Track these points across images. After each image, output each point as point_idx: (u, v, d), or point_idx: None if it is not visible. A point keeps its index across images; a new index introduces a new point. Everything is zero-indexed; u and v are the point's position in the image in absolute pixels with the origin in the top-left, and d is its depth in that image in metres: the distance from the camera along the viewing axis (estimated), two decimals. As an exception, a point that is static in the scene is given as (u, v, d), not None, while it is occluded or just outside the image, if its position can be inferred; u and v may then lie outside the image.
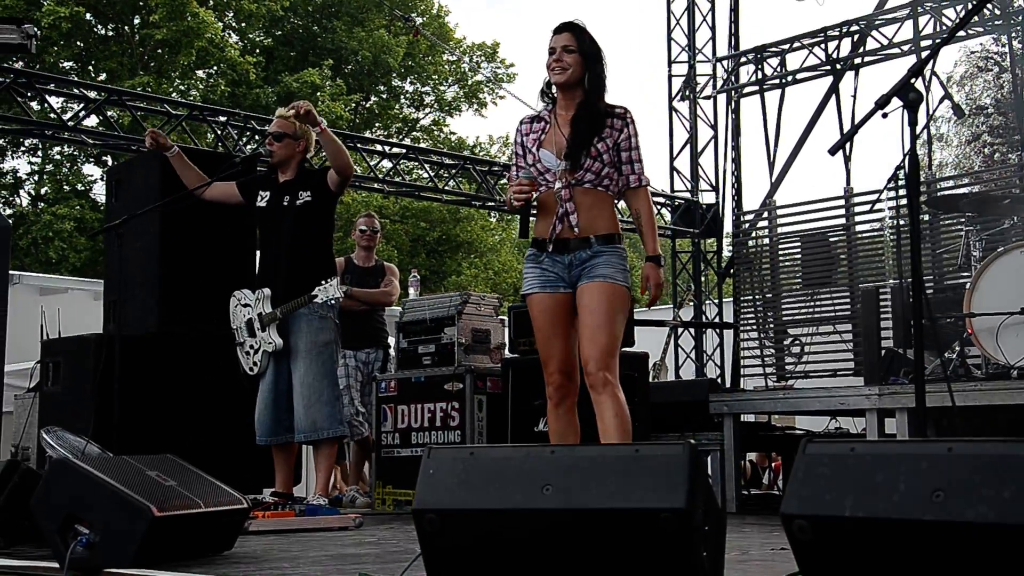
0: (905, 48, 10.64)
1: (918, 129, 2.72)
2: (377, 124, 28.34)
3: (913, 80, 2.67)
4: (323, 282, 5.19)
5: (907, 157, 2.66)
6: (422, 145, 23.04)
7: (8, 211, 23.12)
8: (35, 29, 7.59)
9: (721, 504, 5.92)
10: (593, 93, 4.05)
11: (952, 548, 1.98)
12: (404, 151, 11.40)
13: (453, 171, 11.28)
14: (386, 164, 11.06)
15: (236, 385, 5.58)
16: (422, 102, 29.25)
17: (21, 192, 24.47)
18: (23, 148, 23.86)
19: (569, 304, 3.98)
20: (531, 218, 4.11)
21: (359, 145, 10.62)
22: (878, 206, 8.29)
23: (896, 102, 2.67)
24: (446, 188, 11.26)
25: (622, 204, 4.62)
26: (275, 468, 5.52)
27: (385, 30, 27.07)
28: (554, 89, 4.10)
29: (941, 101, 10.65)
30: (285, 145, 5.44)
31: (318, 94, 23.96)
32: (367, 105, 28.38)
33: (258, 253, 5.53)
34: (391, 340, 7.37)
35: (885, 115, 2.70)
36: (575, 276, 3.97)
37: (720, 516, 2.62)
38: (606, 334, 3.89)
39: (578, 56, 4.03)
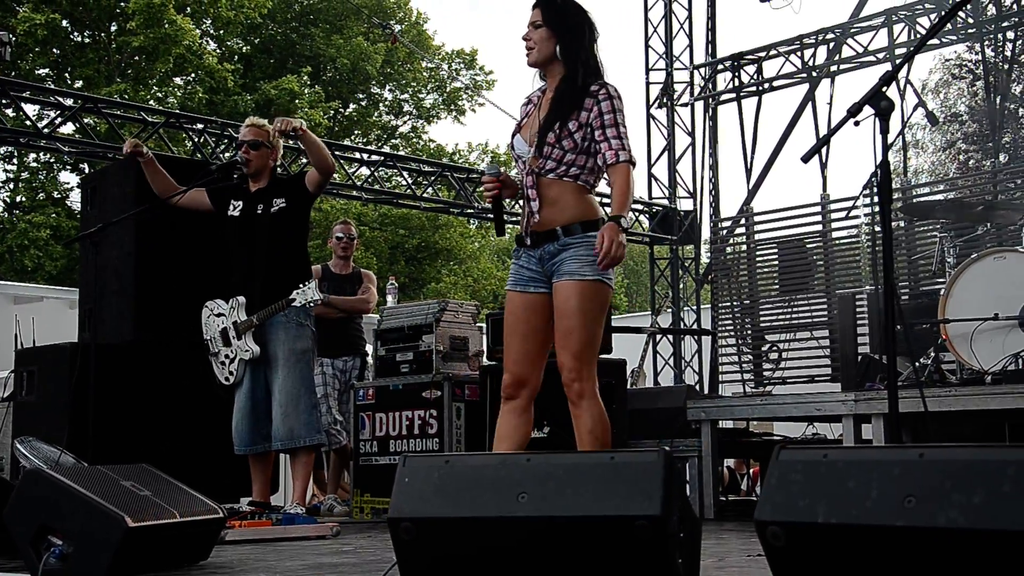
0: (880, 56, 10.74)
1: (892, 136, 2.74)
2: (356, 131, 28.32)
3: (885, 88, 2.69)
4: (300, 285, 5.16)
5: (879, 165, 2.68)
6: (401, 152, 23.05)
7: (-17, 219, 22.96)
8: (10, 36, 7.56)
9: (699, 511, 5.93)
10: (570, 68, 3.72)
11: (924, 554, 1.99)
12: (383, 158, 11.41)
13: (432, 178, 11.29)
14: (365, 171, 11.06)
15: (212, 394, 5.55)
16: (401, 109, 29.26)
17: (-4, 200, 24.32)
18: (-2, 155, 23.72)
19: (539, 304, 3.72)
20: (505, 215, 3.86)
21: (337, 152, 10.61)
22: (854, 212, 8.35)
23: (868, 110, 2.69)
24: (425, 195, 11.26)
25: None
26: (252, 477, 5.50)
27: (363, 37, 27.06)
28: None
29: (915, 108, 10.71)
30: (261, 154, 5.43)
31: (296, 101, 23.93)
32: (346, 112, 28.36)
33: (230, 263, 5.49)
34: (369, 348, 7.35)
35: (857, 123, 2.72)
36: (548, 272, 3.69)
37: (695, 523, 2.63)
38: (576, 339, 3.61)
39: (546, 30, 3.71)
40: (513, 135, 3.85)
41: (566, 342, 3.64)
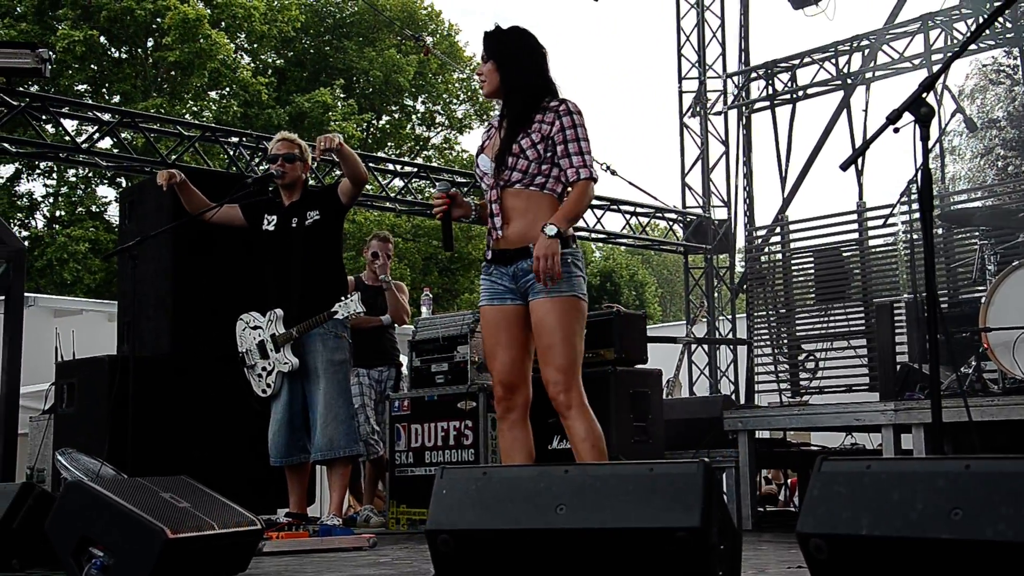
0: (916, 62, 10.64)
1: (930, 143, 2.71)
2: (389, 143, 28.45)
3: (924, 94, 2.66)
4: (343, 298, 5.20)
5: (920, 172, 2.65)
6: (434, 164, 23.10)
7: (24, 233, 23.25)
8: (49, 53, 7.65)
9: (737, 521, 5.88)
10: (517, 91, 3.83)
11: (971, 567, 1.96)
12: (416, 170, 11.43)
13: (465, 189, 11.30)
14: (398, 183, 11.09)
15: (248, 406, 5.58)
16: (433, 121, 29.36)
17: (36, 214, 24.63)
18: (38, 171, 24.02)
19: (518, 316, 3.80)
20: (452, 231, 3.95)
21: (371, 164, 10.65)
22: (891, 220, 8.26)
23: (908, 117, 2.66)
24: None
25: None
26: (288, 489, 5.52)
27: (396, 50, 27.21)
28: None
29: (953, 115, 10.61)
30: (295, 167, 5.46)
31: (330, 114, 24.10)
32: (379, 124, 28.50)
33: (266, 276, 5.51)
34: (403, 358, 7.36)
35: (897, 130, 2.69)
36: (523, 287, 3.77)
37: (736, 534, 2.60)
38: (559, 354, 3.69)
39: (491, 64, 3.85)
40: (477, 155, 3.96)
41: (548, 358, 3.73)
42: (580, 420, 3.73)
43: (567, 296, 3.73)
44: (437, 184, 3.98)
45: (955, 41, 10.22)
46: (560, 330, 3.71)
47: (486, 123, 4.08)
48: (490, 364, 3.89)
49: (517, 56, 3.87)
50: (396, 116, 28.91)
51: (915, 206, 7.53)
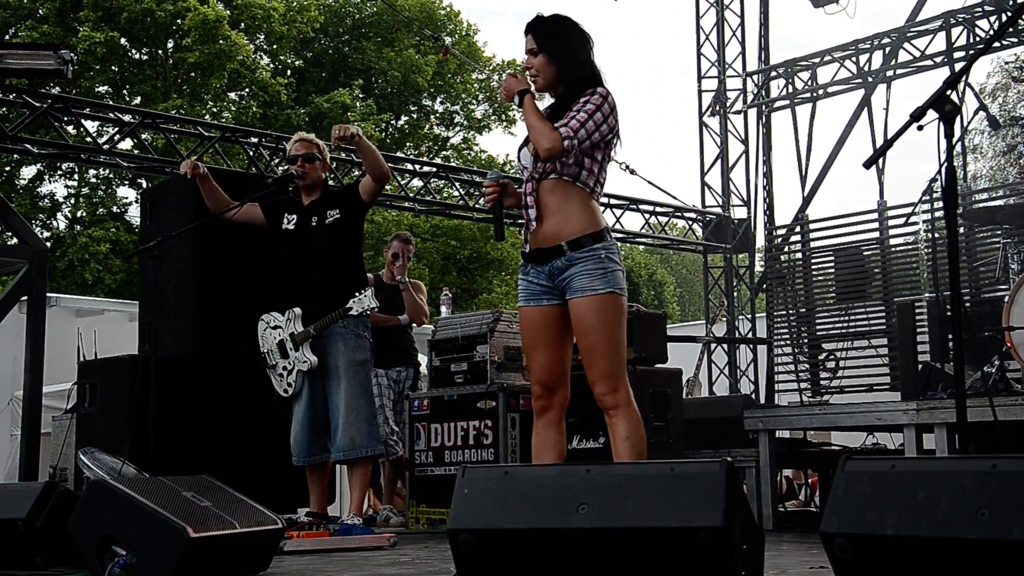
0: (938, 60, 10.57)
1: (953, 141, 2.69)
2: (408, 143, 28.49)
3: (949, 92, 2.64)
4: (356, 294, 5.20)
5: (943, 169, 2.63)
6: (452, 163, 23.12)
7: (46, 234, 23.41)
8: (71, 54, 7.70)
9: (758, 521, 5.86)
10: (569, 84, 3.76)
11: (997, 567, 1.94)
12: (434, 169, 11.45)
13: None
14: (417, 183, 11.11)
15: (270, 406, 5.60)
16: (452, 121, 29.38)
17: (58, 215, 24.80)
18: (60, 172, 24.18)
19: (556, 315, 3.77)
20: (506, 220, 3.90)
21: (390, 164, 10.59)
22: (912, 219, 8.21)
23: (932, 114, 2.65)
24: (477, 206, 11.28)
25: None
26: (309, 488, 5.53)
27: (414, 50, 27.24)
28: None
29: (976, 113, 10.55)
30: (315, 166, 5.48)
31: (348, 114, 24.15)
32: (397, 124, 28.54)
33: (285, 275, 5.53)
34: (421, 358, 7.37)
35: (921, 127, 2.67)
36: (559, 286, 3.74)
37: (758, 534, 2.59)
38: (602, 354, 3.67)
39: (543, 57, 3.76)
40: (520, 149, 3.90)
41: (591, 359, 3.70)
42: (625, 420, 3.70)
43: (605, 293, 3.68)
44: (488, 173, 3.93)
45: (977, 38, 10.15)
46: (601, 329, 3.67)
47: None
48: (529, 364, 3.88)
49: (572, 48, 3.79)
50: (415, 116, 28.95)
51: (937, 204, 7.48)
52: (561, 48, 3.78)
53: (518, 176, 4.03)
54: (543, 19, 3.83)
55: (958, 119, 2.77)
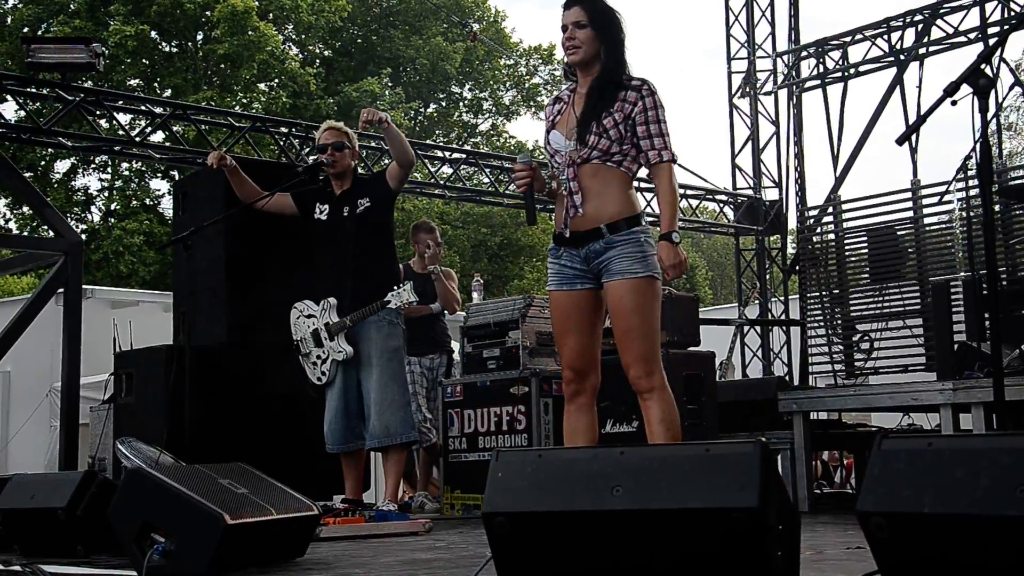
0: (972, 36, 10.42)
1: (988, 116, 2.66)
2: (437, 131, 28.51)
3: (983, 66, 2.61)
4: (395, 288, 5.22)
5: (979, 144, 2.60)
6: (482, 150, 23.11)
7: (80, 227, 23.64)
8: (103, 48, 7.76)
9: (793, 503, 5.83)
10: (610, 65, 3.77)
11: (1037, 544, 1.92)
12: (464, 156, 11.44)
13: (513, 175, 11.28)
14: (447, 170, 11.11)
15: (304, 394, 5.63)
16: (480, 108, 29.37)
17: (92, 208, 25.04)
18: (93, 165, 24.41)
19: (589, 300, 3.77)
20: (537, 205, 3.89)
21: (420, 152, 10.68)
22: (947, 197, 8.13)
23: (966, 89, 2.61)
24: (507, 192, 11.28)
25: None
26: (344, 475, 5.56)
27: (442, 37, 27.23)
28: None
29: (1011, 89, 10.41)
30: (344, 155, 5.49)
31: (377, 102, 24.20)
32: (426, 112, 28.56)
33: (319, 265, 5.55)
34: (454, 345, 7.38)
35: (954, 103, 2.64)
36: (595, 270, 3.73)
37: (794, 515, 2.57)
38: (638, 337, 3.67)
39: (590, 31, 3.76)
40: (548, 132, 3.88)
41: (627, 342, 3.70)
42: (659, 403, 3.70)
43: (643, 277, 3.69)
44: (519, 157, 3.93)
45: (1012, 13, 9.99)
46: (638, 313, 3.67)
47: (552, 97, 3.99)
48: (560, 349, 3.87)
49: (617, 31, 3.81)
50: (443, 104, 28.96)
51: (972, 183, 7.40)
52: (608, 28, 3.79)
53: (544, 160, 4.02)
54: None
55: (992, 94, 2.74)
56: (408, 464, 7.31)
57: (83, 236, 21.25)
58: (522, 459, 2.64)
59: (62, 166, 24.38)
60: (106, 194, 24.79)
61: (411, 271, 7.25)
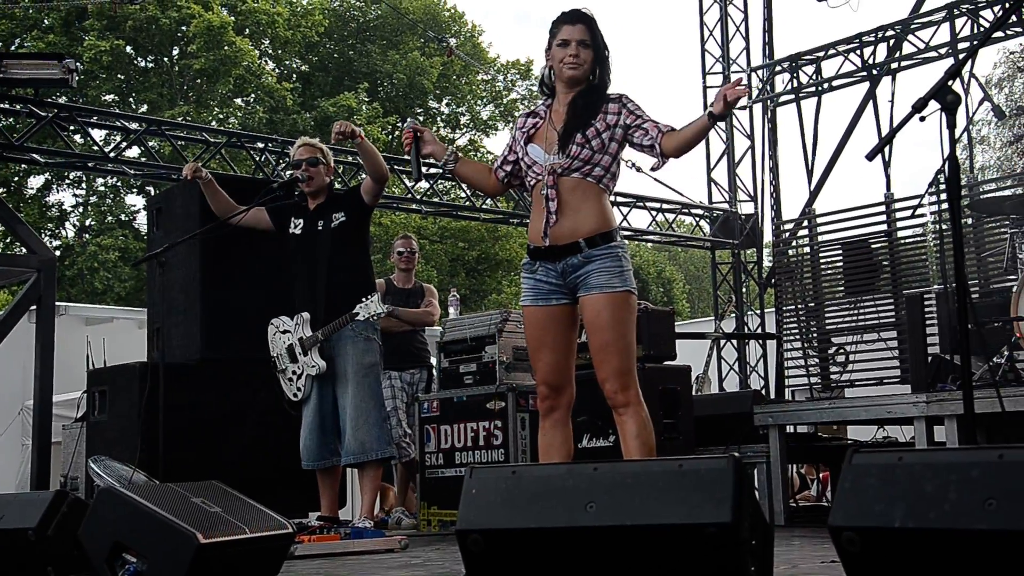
0: (943, 51, 10.52)
1: (958, 132, 2.68)
2: (414, 145, 28.46)
3: (950, 82, 2.63)
4: (364, 299, 5.20)
5: (947, 161, 2.62)
6: (459, 165, 23.07)
7: (54, 243, 23.49)
8: (76, 64, 7.72)
9: (769, 517, 5.85)
10: (597, 83, 3.86)
11: (1006, 558, 1.93)
12: (441, 171, 11.43)
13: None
14: (423, 185, 11.11)
15: (279, 410, 5.60)
16: (458, 123, 29.40)
17: (66, 224, 24.88)
18: (68, 181, 24.26)
19: (564, 315, 3.79)
20: (423, 163, 4.04)
21: (396, 167, 10.67)
22: (920, 211, 8.18)
23: (934, 105, 2.64)
24: (483, 207, 11.29)
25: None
26: (320, 492, 5.53)
27: (419, 52, 27.27)
28: (555, 81, 3.88)
29: (981, 103, 10.52)
30: (319, 170, 5.48)
31: (354, 117, 24.18)
32: (403, 127, 28.57)
33: (294, 280, 5.54)
34: (434, 360, 7.37)
35: (923, 118, 2.66)
36: (571, 284, 3.75)
37: (767, 530, 2.58)
38: (614, 352, 3.69)
39: (591, 52, 3.82)
40: (527, 144, 3.89)
41: (604, 356, 3.71)
42: (634, 418, 3.71)
43: (621, 292, 3.71)
44: (407, 121, 4.07)
45: (982, 29, 10.11)
46: (615, 327, 3.69)
47: (526, 111, 4.04)
48: (535, 364, 3.88)
49: (608, 54, 3.89)
50: (421, 118, 28.96)
51: (944, 196, 7.46)
52: (603, 49, 3.87)
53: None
54: (591, 16, 3.88)
55: (961, 110, 2.76)
56: (386, 480, 7.28)
57: (57, 252, 21.13)
58: (496, 476, 2.63)
59: (36, 181, 24.26)
60: (81, 210, 24.65)
61: (392, 285, 7.24)
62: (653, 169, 3.89)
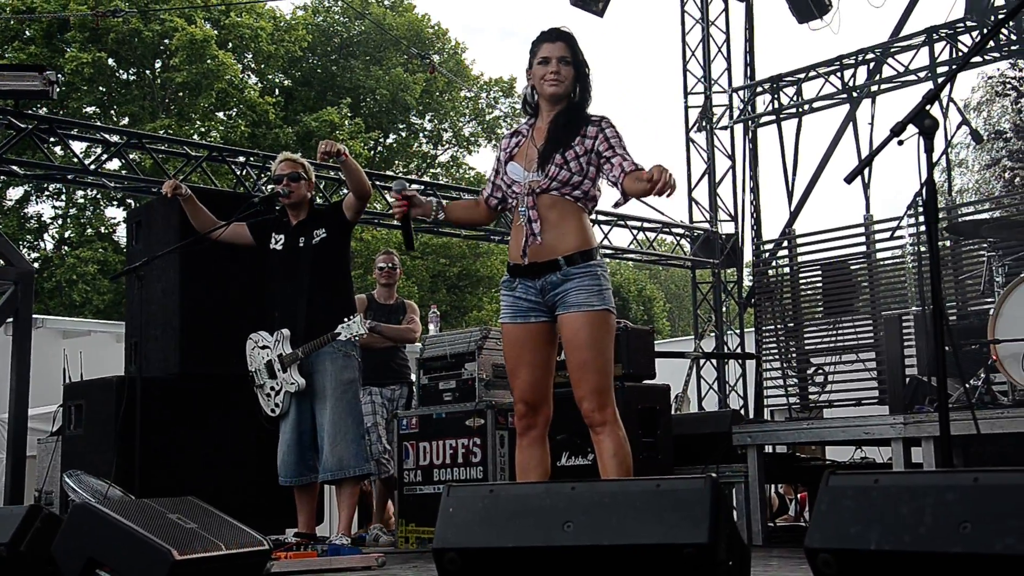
0: (922, 75, 10.64)
1: (936, 155, 2.71)
2: (397, 161, 28.52)
3: (928, 107, 2.66)
4: (345, 319, 5.19)
5: (924, 184, 2.64)
6: (441, 181, 23.14)
7: (33, 255, 23.34)
8: (56, 75, 7.69)
9: (747, 537, 5.85)
10: (578, 102, 3.87)
11: (981, 581, 1.94)
12: (423, 187, 11.45)
13: (456, 194, 11.30)
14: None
15: (257, 426, 5.57)
16: (440, 139, 29.44)
17: (45, 236, 24.73)
18: (47, 193, 24.13)
19: (543, 333, 3.80)
20: (413, 230, 4.01)
21: (378, 183, 10.67)
22: (899, 233, 8.25)
23: (912, 129, 2.66)
24: (465, 224, 11.27)
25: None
26: (297, 508, 5.50)
27: (403, 68, 27.31)
28: (538, 99, 3.90)
29: (959, 127, 10.61)
30: (300, 185, 5.47)
31: (337, 133, 24.18)
32: (386, 143, 28.57)
33: (273, 295, 5.52)
34: (413, 377, 7.35)
35: (901, 142, 2.68)
36: (550, 302, 3.76)
37: (744, 550, 2.58)
38: (592, 371, 3.68)
39: (572, 69, 3.84)
40: (505, 163, 3.91)
41: (581, 375, 3.71)
42: (612, 437, 3.71)
43: (599, 310, 3.71)
44: (393, 185, 4.00)
45: (960, 54, 10.22)
46: (594, 346, 3.69)
47: (510, 131, 4.06)
48: (513, 382, 3.87)
49: (588, 71, 3.90)
50: (403, 134, 28.99)
51: (922, 218, 7.52)
52: (584, 67, 3.89)
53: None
54: (570, 33, 3.90)
55: (939, 133, 2.79)
56: (363, 496, 7.24)
57: (36, 264, 21.00)
58: (474, 494, 2.63)
59: (15, 193, 24.12)
60: (60, 222, 24.51)
61: (374, 301, 7.23)
62: (615, 205, 3.91)
